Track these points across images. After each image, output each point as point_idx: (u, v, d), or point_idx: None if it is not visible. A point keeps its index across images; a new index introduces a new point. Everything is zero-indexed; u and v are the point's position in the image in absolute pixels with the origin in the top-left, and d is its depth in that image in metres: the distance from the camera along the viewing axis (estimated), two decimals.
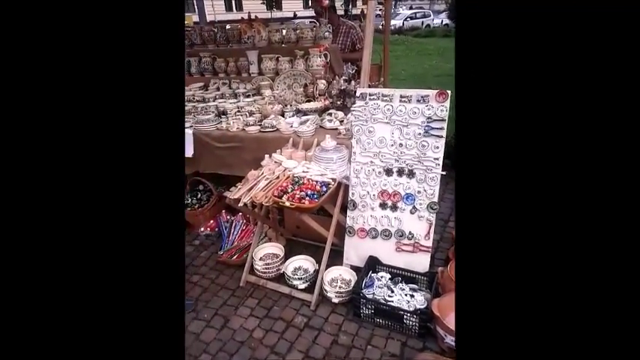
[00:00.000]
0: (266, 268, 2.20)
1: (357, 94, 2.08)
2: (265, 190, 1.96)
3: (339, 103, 2.65)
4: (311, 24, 3.13)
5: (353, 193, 2.13)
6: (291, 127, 2.40)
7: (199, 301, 2.15)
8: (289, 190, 1.86)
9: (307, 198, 1.80)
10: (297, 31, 3.11)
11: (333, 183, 1.96)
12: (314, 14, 3.70)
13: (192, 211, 2.77)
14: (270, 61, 3.09)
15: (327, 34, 2.99)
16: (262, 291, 2.20)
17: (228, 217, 2.72)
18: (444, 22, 21.18)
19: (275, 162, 2.21)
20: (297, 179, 1.96)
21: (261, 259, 2.29)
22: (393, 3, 32.72)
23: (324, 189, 1.89)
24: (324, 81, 2.75)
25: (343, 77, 2.73)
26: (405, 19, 21.52)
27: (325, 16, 3.34)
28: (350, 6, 24.75)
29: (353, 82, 2.62)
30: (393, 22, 20.46)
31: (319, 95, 2.72)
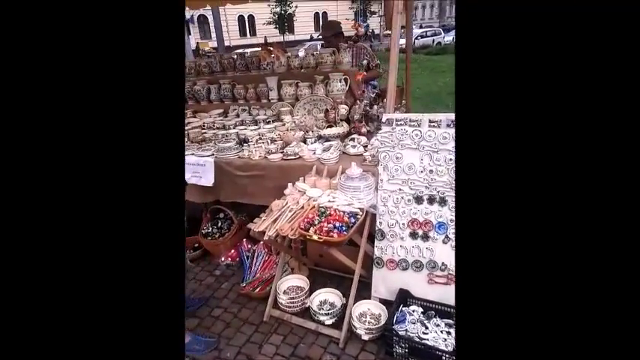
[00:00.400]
0: (290, 302, 2.11)
1: (383, 119, 2.02)
2: (291, 221, 1.89)
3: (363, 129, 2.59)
4: (330, 49, 3.11)
5: (381, 222, 2.04)
6: (314, 153, 2.34)
7: (222, 338, 2.06)
8: (316, 222, 1.78)
9: (335, 230, 1.72)
10: (316, 56, 3.09)
11: (361, 213, 1.87)
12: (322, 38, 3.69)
13: (212, 240, 2.71)
14: (290, 87, 3.08)
15: (365, 62, 3.03)
16: (287, 326, 2.10)
17: (250, 247, 2.65)
18: (454, 40, 21.29)
19: (299, 191, 2.15)
20: (323, 210, 1.89)
21: (285, 292, 2.19)
22: None
23: (352, 220, 1.81)
24: (345, 106, 2.70)
25: (364, 101, 2.69)
26: (416, 38, 21.68)
27: (356, 39, 3.32)
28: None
29: (375, 107, 2.56)
30: (403, 40, 20.75)
31: (341, 120, 2.67)
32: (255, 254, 2.48)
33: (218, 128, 3.00)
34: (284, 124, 2.87)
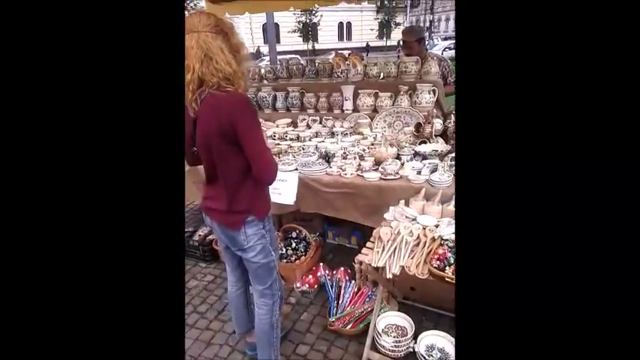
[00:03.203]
0: (396, 346, 1.82)
1: None
2: (412, 256, 1.61)
3: None
4: (414, 57, 2.84)
5: None
6: (418, 173, 2.07)
7: None
8: (452, 260, 1.50)
9: None
10: (399, 65, 2.85)
11: None
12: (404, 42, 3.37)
13: (288, 263, 2.45)
14: (368, 97, 2.83)
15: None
16: None
17: (328, 272, 2.38)
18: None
19: (406, 217, 1.87)
20: (451, 245, 1.60)
21: (384, 331, 1.91)
22: (427, 34, 32.99)
23: None
24: (440, 120, 2.44)
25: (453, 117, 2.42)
26: (444, 50, 21.44)
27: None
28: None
29: None
30: (431, 51, 20.49)
31: (436, 136, 2.40)
32: (345, 286, 2.20)
33: (292, 139, 2.76)
34: (365, 138, 2.62)
